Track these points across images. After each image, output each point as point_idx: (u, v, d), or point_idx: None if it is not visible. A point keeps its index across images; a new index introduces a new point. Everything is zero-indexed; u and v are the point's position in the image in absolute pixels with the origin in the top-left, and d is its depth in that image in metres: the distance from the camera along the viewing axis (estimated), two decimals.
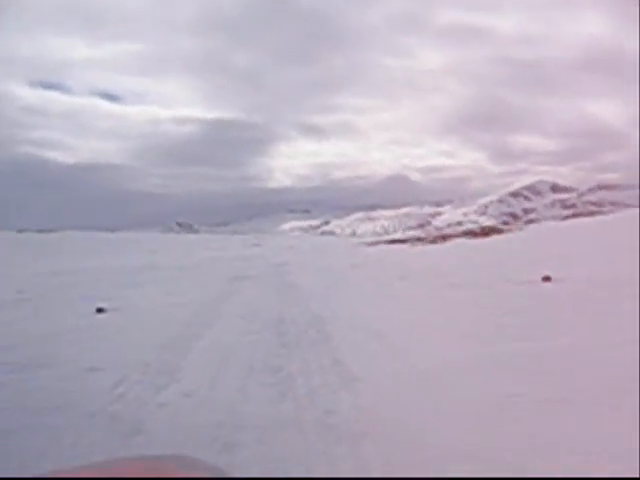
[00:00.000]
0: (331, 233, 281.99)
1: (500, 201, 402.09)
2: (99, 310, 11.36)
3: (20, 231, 52.58)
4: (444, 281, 13.50)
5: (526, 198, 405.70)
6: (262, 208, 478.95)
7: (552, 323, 7.56)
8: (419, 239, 27.54)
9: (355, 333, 8.08)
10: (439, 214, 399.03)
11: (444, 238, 25.61)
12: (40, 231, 53.19)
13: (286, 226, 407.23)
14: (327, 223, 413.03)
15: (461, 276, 14.20)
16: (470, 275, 14.22)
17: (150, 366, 6.67)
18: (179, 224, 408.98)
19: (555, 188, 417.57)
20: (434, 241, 24.59)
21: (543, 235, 22.83)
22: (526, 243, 21.20)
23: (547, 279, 11.42)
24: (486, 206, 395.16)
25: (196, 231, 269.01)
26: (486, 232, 25.60)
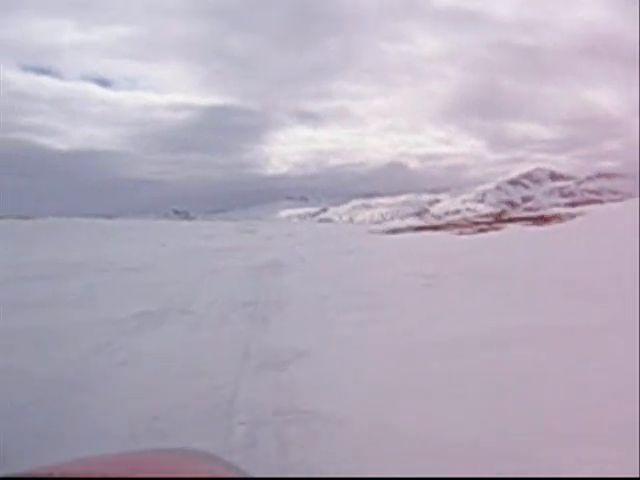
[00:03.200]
0: (328, 220, 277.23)
1: (498, 189, 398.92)
2: None
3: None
4: None
5: (524, 186, 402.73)
6: (259, 195, 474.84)
7: None
8: (455, 225, 22.52)
9: None
10: (437, 202, 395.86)
11: (488, 225, 20.75)
12: (20, 217, 49.86)
13: (283, 213, 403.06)
14: (324, 210, 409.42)
15: None
16: None
17: None
18: (176, 211, 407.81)
19: (554, 176, 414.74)
20: (482, 228, 19.34)
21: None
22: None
23: None
24: (484, 194, 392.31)
25: (192, 218, 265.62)
26: (545, 218, 20.62)
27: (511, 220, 21.82)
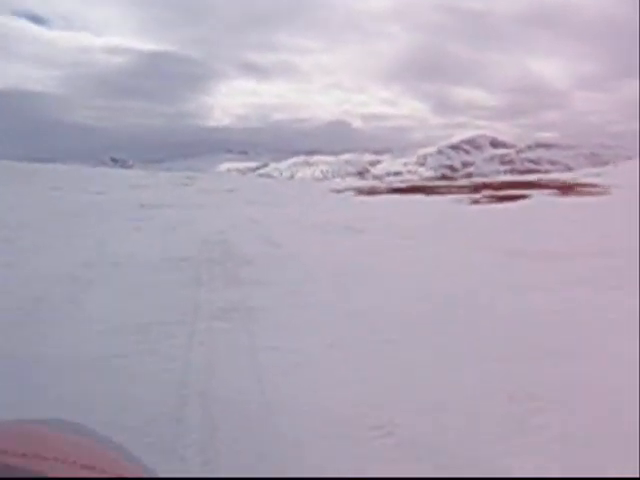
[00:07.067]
0: (269, 176, 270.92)
1: (440, 153, 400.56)
2: None
3: None
4: None
5: (465, 151, 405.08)
6: (199, 147, 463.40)
7: None
8: (448, 188, 18.34)
9: None
10: (379, 162, 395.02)
11: (501, 188, 16.71)
12: None
13: (223, 167, 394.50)
14: (265, 166, 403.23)
15: None
16: None
17: None
18: (113, 159, 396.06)
19: (494, 143, 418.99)
20: (499, 197, 14.99)
21: None
22: None
23: None
24: (425, 157, 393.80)
25: (130, 167, 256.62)
26: (566, 186, 16.89)
27: (510, 186, 17.96)
